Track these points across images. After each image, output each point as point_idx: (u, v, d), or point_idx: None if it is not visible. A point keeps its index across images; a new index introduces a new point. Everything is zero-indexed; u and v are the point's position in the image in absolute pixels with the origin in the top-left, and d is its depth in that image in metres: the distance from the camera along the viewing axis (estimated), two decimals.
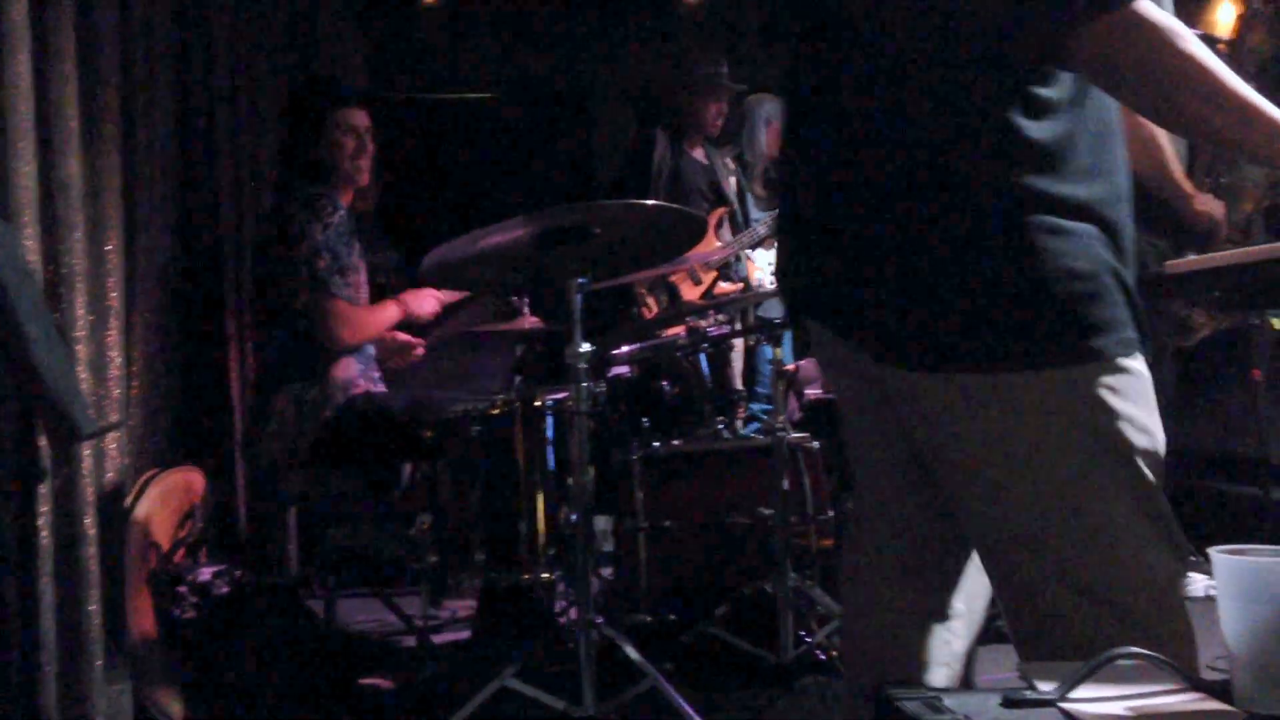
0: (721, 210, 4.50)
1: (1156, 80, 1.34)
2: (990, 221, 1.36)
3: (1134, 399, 1.39)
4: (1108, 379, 1.37)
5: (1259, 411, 3.14)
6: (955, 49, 1.38)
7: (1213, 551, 1.15)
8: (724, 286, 4.42)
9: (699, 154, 4.57)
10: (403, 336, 3.52)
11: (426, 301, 3.43)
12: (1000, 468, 1.40)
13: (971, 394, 1.39)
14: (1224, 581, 1.14)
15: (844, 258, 1.47)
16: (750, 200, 4.68)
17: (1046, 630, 1.40)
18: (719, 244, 4.42)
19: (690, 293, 4.32)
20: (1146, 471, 1.39)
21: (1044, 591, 1.39)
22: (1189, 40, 1.33)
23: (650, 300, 4.30)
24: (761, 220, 4.51)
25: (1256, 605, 1.10)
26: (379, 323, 3.32)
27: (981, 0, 1.37)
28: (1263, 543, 1.17)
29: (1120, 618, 1.35)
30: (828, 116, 1.50)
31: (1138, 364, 1.40)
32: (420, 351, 3.56)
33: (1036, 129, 1.37)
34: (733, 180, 4.60)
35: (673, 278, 4.29)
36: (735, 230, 4.53)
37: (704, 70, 4.48)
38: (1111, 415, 1.37)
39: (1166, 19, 1.34)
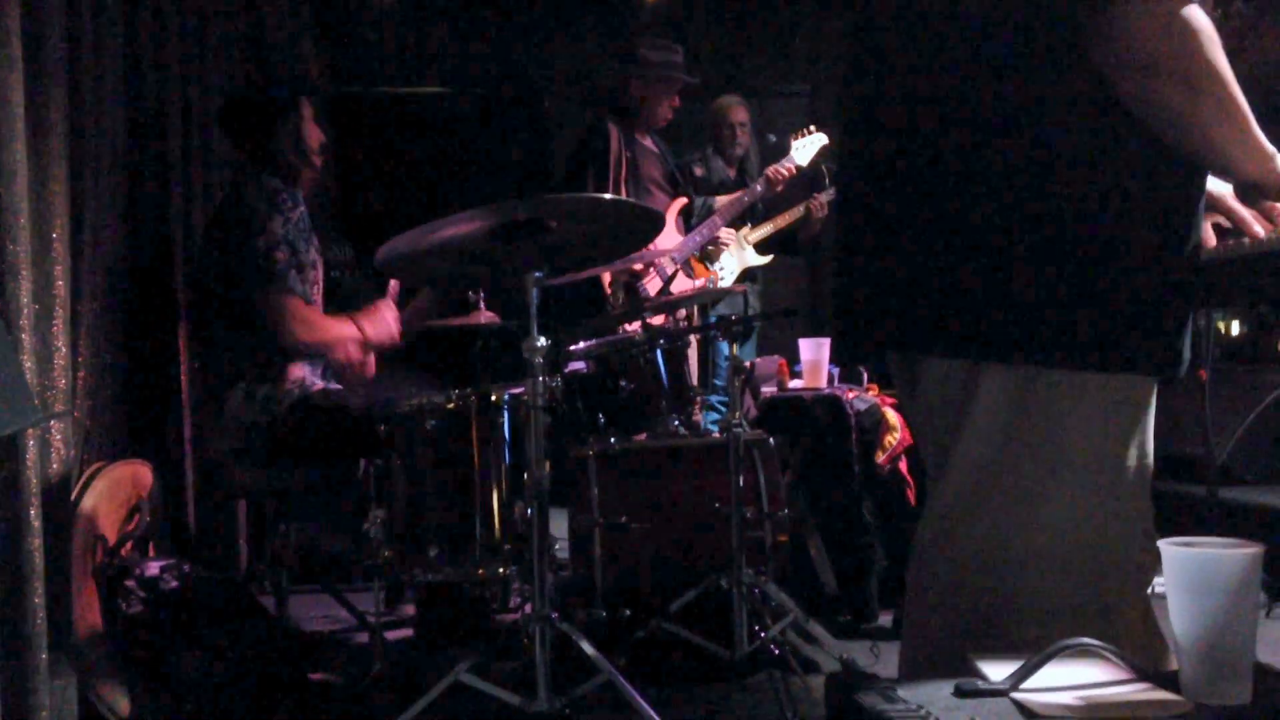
0: (683, 200, 4.48)
1: (1186, 79, 1.36)
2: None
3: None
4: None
5: (1205, 412, 3.18)
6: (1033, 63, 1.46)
7: (1162, 544, 1.17)
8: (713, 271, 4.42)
9: (649, 143, 4.53)
10: (356, 355, 3.49)
11: (382, 329, 3.40)
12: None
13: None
14: (1172, 573, 1.15)
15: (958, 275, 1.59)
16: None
17: (1012, 615, 1.45)
18: (679, 235, 4.41)
19: (687, 284, 4.31)
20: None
21: (1024, 573, 1.48)
22: (1219, 47, 1.36)
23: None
24: (710, 205, 4.51)
25: (1204, 597, 1.12)
26: (333, 333, 3.28)
27: None
28: None
29: (1100, 613, 1.41)
30: (910, 145, 1.61)
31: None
32: (371, 371, 3.53)
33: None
34: (676, 169, 4.58)
35: (670, 271, 4.27)
36: (690, 219, 4.52)
37: (658, 59, 4.43)
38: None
39: (1207, 22, 1.36)
